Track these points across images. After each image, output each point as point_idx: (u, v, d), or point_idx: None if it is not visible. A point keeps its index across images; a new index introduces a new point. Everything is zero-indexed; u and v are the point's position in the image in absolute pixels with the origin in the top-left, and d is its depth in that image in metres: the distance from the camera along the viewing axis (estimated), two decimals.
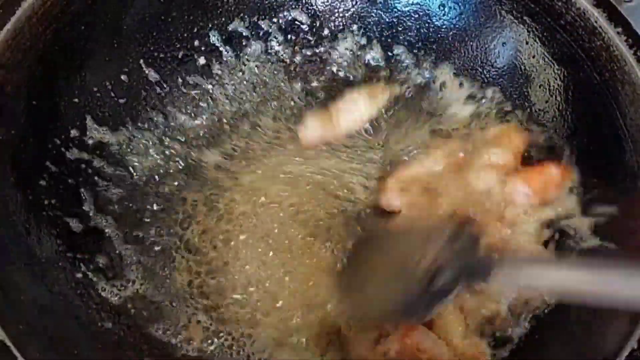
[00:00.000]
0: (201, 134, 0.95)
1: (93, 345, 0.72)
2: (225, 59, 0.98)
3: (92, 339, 0.73)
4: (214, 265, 0.85)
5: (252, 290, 0.83)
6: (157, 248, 0.86)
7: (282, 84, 1.00)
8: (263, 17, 0.98)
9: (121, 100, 0.90)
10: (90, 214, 0.84)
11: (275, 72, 1.00)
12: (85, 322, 0.74)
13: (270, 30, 0.99)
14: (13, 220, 0.72)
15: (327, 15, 1.00)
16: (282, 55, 1.00)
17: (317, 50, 1.01)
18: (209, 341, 0.80)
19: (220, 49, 0.97)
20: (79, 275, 0.78)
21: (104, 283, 0.80)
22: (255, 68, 1.00)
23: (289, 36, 1.00)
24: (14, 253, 0.70)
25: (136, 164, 0.91)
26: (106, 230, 0.85)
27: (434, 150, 0.88)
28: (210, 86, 0.98)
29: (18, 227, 0.72)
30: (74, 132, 0.84)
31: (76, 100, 0.83)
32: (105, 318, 0.77)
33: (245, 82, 0.99)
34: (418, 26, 0.97)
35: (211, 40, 0.96)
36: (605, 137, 0.79)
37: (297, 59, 1.01)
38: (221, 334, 0.80)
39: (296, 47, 1.01)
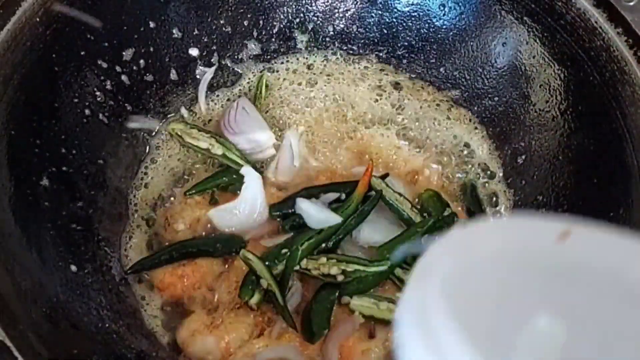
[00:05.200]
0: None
1: (93, 346, 0.72)
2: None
3: (92, 339, 0.73)
4: None
5: None
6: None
7: None
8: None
9: (121, 100, 0.90)
10: (90, 213, 0.84)
11: None
12: (86, 322, 0.74)
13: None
14: (13, 220, 0.72)
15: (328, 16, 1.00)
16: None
17: None
18: None
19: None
20: (79, 275, 0.78)
21: (103, 283, 0.80)
22: None
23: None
24: (14, 253, 0.70)
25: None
26: (106, 231, 0.85)
27: None
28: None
29: (18, 227, 0.72)
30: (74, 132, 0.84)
31: (76, 100, 0.83)
32: (105, 318, 0.76)
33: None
34: (418, 26, 0.97)
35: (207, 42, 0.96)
36: (605, 137, 0.79)
37: None
38: None
39: None
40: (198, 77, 0.97)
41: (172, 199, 0.91)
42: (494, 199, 0.93)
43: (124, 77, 0.89)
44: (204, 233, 0.87)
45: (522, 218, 0.49)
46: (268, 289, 0.79)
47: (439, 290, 0.39)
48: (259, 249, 0.84)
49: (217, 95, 0.99)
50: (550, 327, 0.45)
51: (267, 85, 0.99)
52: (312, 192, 0.87)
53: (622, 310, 0.46)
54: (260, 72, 1.01)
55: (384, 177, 0.87)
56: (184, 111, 0.97)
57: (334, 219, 0.82)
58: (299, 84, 1.00)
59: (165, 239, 0.87)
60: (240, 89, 1.00)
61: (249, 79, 1.01)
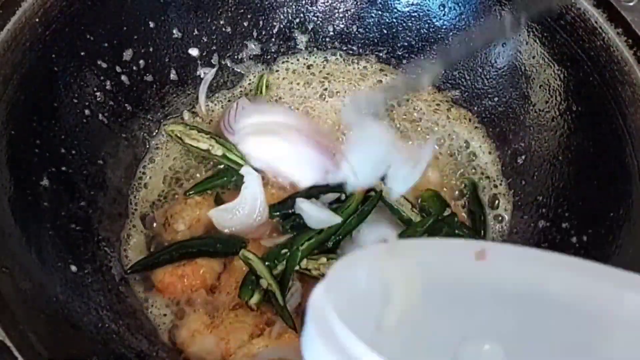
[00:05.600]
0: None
1: (93, 346, 0.72)
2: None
3: (92, 339, 0.73)
4: None
5: None
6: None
7: None
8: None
9: (121, 100, 0.90)
10: (90, 214, 0.84)
11: None
12: (86, 322, 0.74)
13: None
14: (13, 220, 0.72)
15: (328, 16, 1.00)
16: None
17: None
18: None
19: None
20: (79, 275, 0.78)
21: (103, 283, 0.80)
22: None
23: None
24: (14, 254, 0.70)
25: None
26: (106, 231, 0.85)
27: None
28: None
29: (18, 227, 0.72)
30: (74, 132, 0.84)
31: (76, 100, 0.83)
32: (105, 318, 0.76)
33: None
34: (418, 27, 0.97)
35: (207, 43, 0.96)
36: (605, 137, 0.79)
37: None
38: None
39: None
40: (198, 77, 0.97)
41: (171, 199, 0.91)
42: (494, 199, 0.93)
43: (123, 77, 0.89)
44: (204, 233, 0.87)
45: (438, 240, 0.49)
46: (268, 289, 0.80)
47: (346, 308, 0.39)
48: (259, 249, 0.84)
49: (218, 96, 0.99)
50: (479, 347, 0.45)
51: (267, 86, 0.99)
52: (312, 192, 0.87)
53: (548, 321, 0.46)
54: (261, 72, 1.01)
55: (384, 176, 0.87)
56: (185, 114, 0.97)
57: (334, 219, 0.82)
58: (299, 84, 1.00)
59: (165, 239, 0.87)
60: (241, 90, 1.00)
61: (250, 79, 1.01)
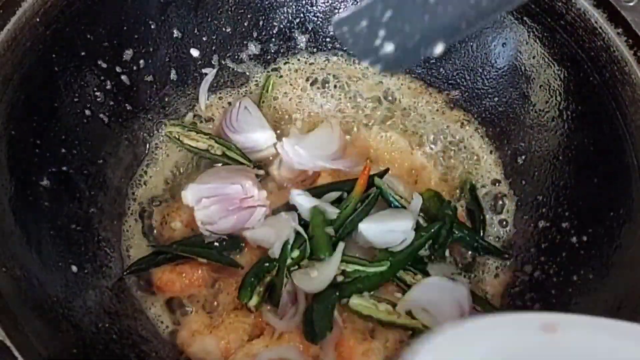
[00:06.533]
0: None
1: (93, 345, 0.72)
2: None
3: (92, 339, 0.73)
4: None
5: None
6: None
7: None
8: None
9: (121, 100, 0.90)
10: (90, 213, 0.84)
11: None
12: (86, 322, 0.74)
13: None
14: (13, 220, 0.72)
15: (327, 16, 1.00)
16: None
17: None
18: None
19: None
20: (79, 275, 0.78)
21: (103, 283, 0.81)
22: None
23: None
24: (14, 253, 0.70)
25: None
26: (106, 231, 0.85)
27: None
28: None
29: (18, 227, 0.72)
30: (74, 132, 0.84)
31: (76, 100, 0.83)
32: (105, 318, 0.77)
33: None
34: None
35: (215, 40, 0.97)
36: (605, 137, 0.79)
37: None
38: None
39: None
40: (198, 77, 0.97)
41: (170, 197, 0.91)
42: (494, 198, 0.93)
43: (124, 77, 0.89)
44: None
45: (506, 314, 0.50)
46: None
47: None
48: (258, 252, 0.84)
49: (218, 96, 0.99)
50: None
51: (272, 86, 0.99)
52: (313, 193, 0.86)
53: None
54: (264, 72, 1.00)
55: (383, 173, 0.87)
56: (185, 114, 0.97)
57: (330, 210, 0.82)
58: (300, 84, 1.00)
59: (163, 237, 0.87)
60: (242, 90, 1.00)
61: (250, 79, 1.00)
